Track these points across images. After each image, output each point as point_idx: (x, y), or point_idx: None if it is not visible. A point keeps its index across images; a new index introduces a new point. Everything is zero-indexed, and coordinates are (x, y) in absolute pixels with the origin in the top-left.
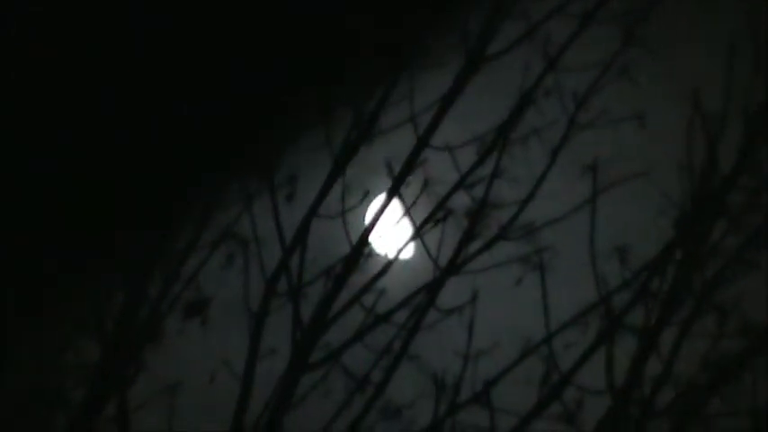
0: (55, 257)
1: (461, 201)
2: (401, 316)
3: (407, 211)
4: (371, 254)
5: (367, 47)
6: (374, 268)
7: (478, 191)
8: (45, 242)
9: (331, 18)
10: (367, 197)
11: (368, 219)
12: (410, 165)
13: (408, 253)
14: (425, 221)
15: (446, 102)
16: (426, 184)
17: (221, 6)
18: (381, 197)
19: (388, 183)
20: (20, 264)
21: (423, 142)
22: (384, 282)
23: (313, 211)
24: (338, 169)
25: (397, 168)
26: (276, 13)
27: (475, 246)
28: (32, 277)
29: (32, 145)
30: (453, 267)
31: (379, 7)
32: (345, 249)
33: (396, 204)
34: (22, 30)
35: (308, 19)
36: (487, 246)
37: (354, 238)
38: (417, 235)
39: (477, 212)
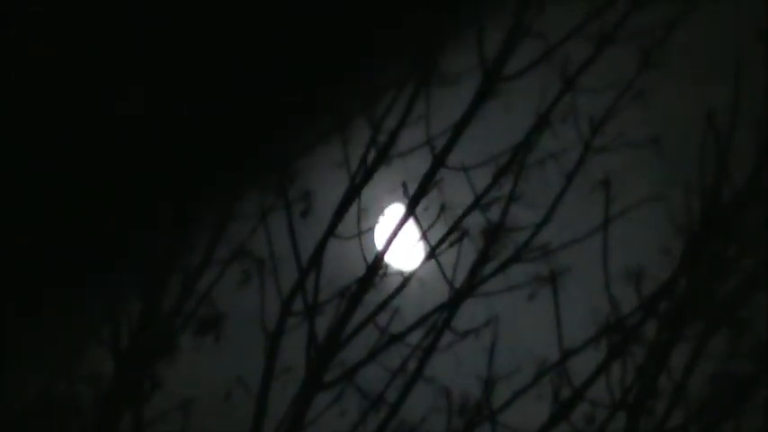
0: (68, 266)
1: (477, 221)
2: (416, 336)
3: (424, 233)
4: (386, 274)
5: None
6: (389, 288)
7: (494, 212)
8: (58, 251)
9: (349, 31)
10: (382, 217)
11: (383, 239)
12: (426, 185)
13: (423, 273)
14: (440, 242)
15: (462, 122)
16: (443, 207)
17: (234, 12)
18: (397, 217)
19: (404, 202)
20: (31, 270)
21: (439, 162)
22: (398, 301)
23: (329, 232)
24: (354, 191)
25: (412, 188)
26: (294, 26)
27: (490, 267)
28: (44, 284)
29: (41, 158)
30: (468, 288)
31: (396, 25)
32: (360, 269)
33: (411, 224)
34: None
35: (325, 32)
36: (502, 267)
37: (369, 257)
38: (432, 255)
39: (493, 233)
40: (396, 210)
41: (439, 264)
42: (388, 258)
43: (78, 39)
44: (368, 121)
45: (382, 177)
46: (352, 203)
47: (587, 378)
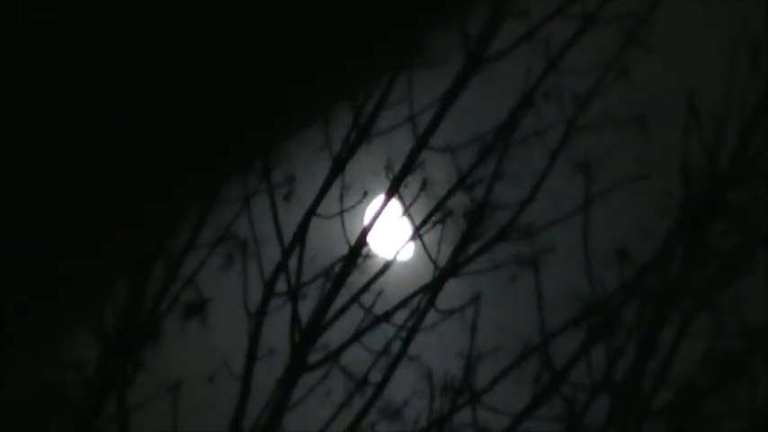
0: (52, 255)
1: (461, 201)
2: (400, 316)
3: (406, 212)
4: (370, 254)
5: (366, 44)
6: (373, 269)
7: (478, 192)
8: (42, 240)
9: (329, 15)
10: (366, 198)
11: (367, 219)
12: (409, 165)
13: (407, 253)
14: (424, 222)
15: (446, 102)
16: (425, 184)
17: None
18: (380, 198)
19: (387, 183)
20: (17, 261)
21: (422, 143)
22: (383, 282)
23: (312, 211)
24: (337, 169)
25: (396, 169)
26: (273, 11)
27: (474, 247)
28: (29, 275)
29: (28, 142)
30: (452, 268)
31: (378, 5)
32: (344, 249)
33: (395, 205)
34: (23, 31)
35: (306, 16)
36: (486, 247)
37: (353, 238)
38: (416, 235)
39: (477, 213)
40: (381, 199)
41: (423, 244)
42: (371, 239)
43: (76, 34)
44: (350, 105)
45: (366, 159)
46: (336, 181)
47: (569, 361)
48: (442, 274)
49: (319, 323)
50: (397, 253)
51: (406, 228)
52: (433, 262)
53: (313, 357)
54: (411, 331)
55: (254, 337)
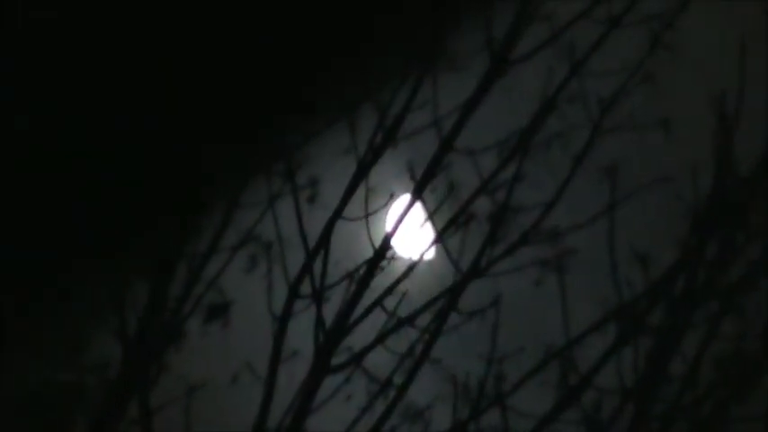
0: (74, 255)
1: (484, 205)
2: (423, 319)
3: (430, 215)
4: (394, 257)
5: (391, 46)
6: (397, 271)
7: (501, 195)
8: (63, 236)
9: (353, 16)
10: (390, 201)
11: (391, 222)
12: (433, 168)
13: (430, 256)
14: (448, 225)
15: (470, 105)
16: (450, 188)
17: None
18: (405, 201)
19: (412, 186)
20: (35, 256)
21: (446, 146)
22: (406, 285)
23: (337, 214)
24: (362, 172)
25: (420, 172)
26: (298, 11)
27: (497, 250)
28: (49, 270)
29: (47, 138)
30: (475, 271)
31: (402, 8)
32: (368, 252)
33: (419, 208)
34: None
35: (331, 17)
36: (510, 250)
37: (377, 241)
38: (440, 239)
39: (500, 216)
40: (405, 202)
41: (446, 247)
42: (395, 242)
43: (86, 33)
44: (375, 107)
45: (390, 162)
46: (360, 184)
47: (594, 364)
48: (465, 277)
49: (343, 326)
50: (421, 256)
51: (430, 230)
52: (456, 265)
53: (336, 360)
54: (434, 334)
55: (279, 339)
